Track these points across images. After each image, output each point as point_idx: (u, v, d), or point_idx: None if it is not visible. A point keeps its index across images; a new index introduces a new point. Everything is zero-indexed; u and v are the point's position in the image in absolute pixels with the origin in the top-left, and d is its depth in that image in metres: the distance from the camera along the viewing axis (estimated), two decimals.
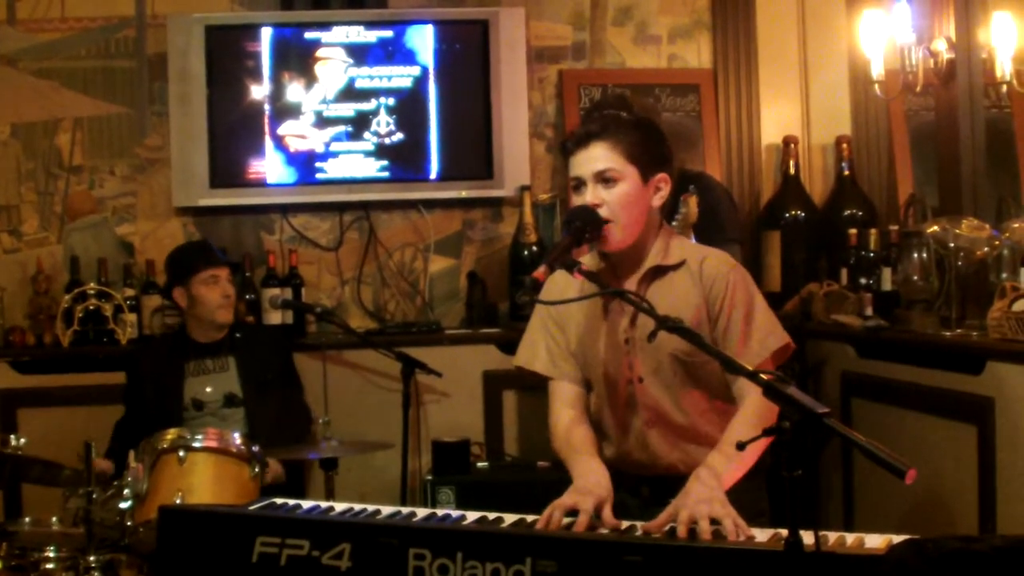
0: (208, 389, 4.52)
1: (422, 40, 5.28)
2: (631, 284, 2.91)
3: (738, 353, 2.78)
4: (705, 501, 2.55)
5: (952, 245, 4.11)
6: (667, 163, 2.94)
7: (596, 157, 2.84)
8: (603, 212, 2.82)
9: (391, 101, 5.27)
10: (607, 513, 2.66)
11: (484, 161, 5.29)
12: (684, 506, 2.57)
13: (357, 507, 2.81)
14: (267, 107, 5.24)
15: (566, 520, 2.61)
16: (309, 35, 5.24)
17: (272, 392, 4.58)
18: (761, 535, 2.48)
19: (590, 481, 2.75)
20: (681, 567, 2.36)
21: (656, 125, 3.00)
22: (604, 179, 2.83)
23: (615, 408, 2.97)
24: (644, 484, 2.97)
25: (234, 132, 5.23)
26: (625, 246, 2.88)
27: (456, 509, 2.93)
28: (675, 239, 2.99)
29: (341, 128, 5.25)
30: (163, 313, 5.08)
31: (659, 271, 2.92)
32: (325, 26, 5.24)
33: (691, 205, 3.83)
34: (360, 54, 5.25)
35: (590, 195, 2.84)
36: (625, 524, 2.63)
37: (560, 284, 2.95)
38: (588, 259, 2.97)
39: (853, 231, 4.95)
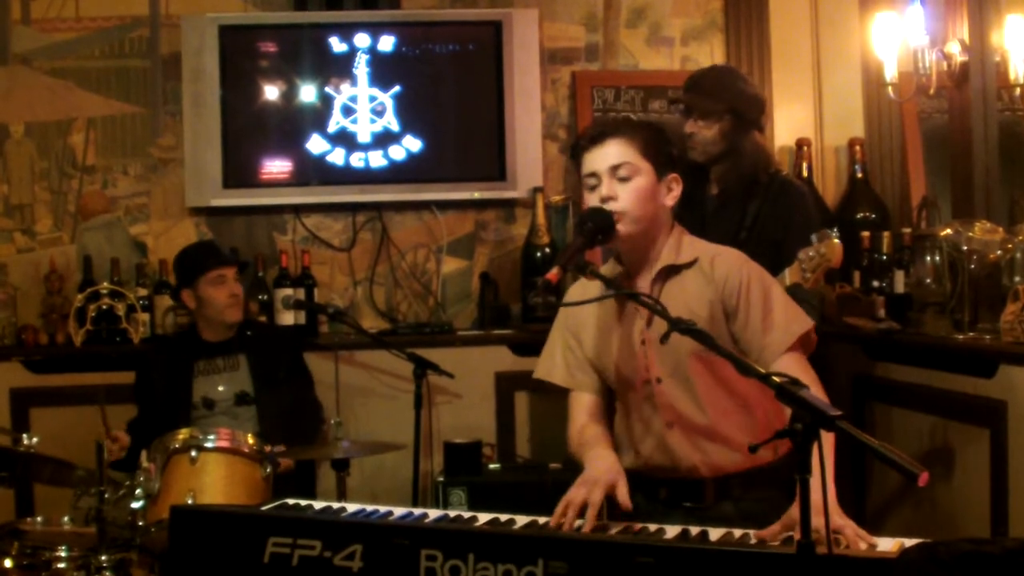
0: (221, 388, 4.53)
1: (435, 41, 5.28)
2: (644, 283, 2.93)
3: (762, 344, 2.82)
4: (832, 511, 2.42)
5: (965, 248, 4.09)
6: (678, 164, 2.98)
7: (611, 153, 2.87)
8: (615, 205, 2.83)
9: (404, 101, 5.26)
10: (622, 493, 2.66)
11: (497, 162, 5.28)
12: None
13: (369, 508, 2.83)
14: (280, 107, 5.25)
15: (578, 522, 2.61)
16: (322, 36, 5.24)
17: (283, 390, 4.59)
18: (885, 544, 2.42)
19: (599, 468, 2.76)
20: (693, 569, 2.36)
21: (664, 129, 3.04)
22: (620, 175, 2.85)
23: (635, 411, 2.99)
24: (662, 486, 2.97)
25: (247, 132, 5.23)
26: (633, 239, 2.89)
27: (468, 510, 2.93)
28: (687, 237, 2.99)
29: (354, 128, 5.25)
30: (175, 312, 5.08)
31: (672, 270, 2.93)
32: (338, 27, 5.24)
33: (836, 249, 3.16)
34: (373, 54, 5.25)
35: (605, 188, 2.85)
36: (638, 525, 2.64)
37: (581, 290, 2.99)
38: (606, 268, 2.98)
39: (866, 233, 4.93)
